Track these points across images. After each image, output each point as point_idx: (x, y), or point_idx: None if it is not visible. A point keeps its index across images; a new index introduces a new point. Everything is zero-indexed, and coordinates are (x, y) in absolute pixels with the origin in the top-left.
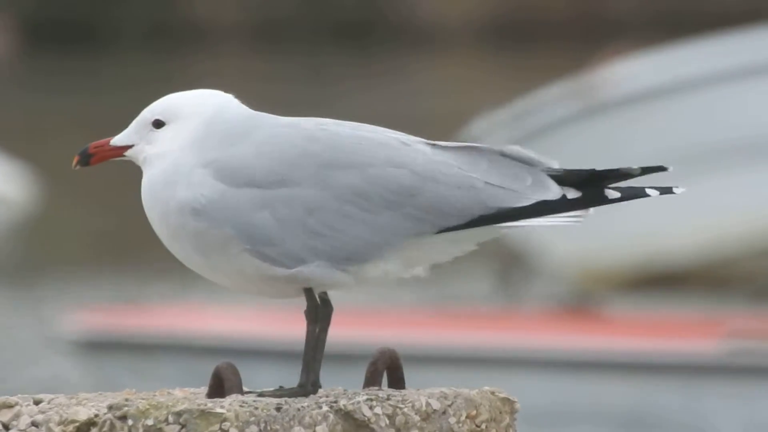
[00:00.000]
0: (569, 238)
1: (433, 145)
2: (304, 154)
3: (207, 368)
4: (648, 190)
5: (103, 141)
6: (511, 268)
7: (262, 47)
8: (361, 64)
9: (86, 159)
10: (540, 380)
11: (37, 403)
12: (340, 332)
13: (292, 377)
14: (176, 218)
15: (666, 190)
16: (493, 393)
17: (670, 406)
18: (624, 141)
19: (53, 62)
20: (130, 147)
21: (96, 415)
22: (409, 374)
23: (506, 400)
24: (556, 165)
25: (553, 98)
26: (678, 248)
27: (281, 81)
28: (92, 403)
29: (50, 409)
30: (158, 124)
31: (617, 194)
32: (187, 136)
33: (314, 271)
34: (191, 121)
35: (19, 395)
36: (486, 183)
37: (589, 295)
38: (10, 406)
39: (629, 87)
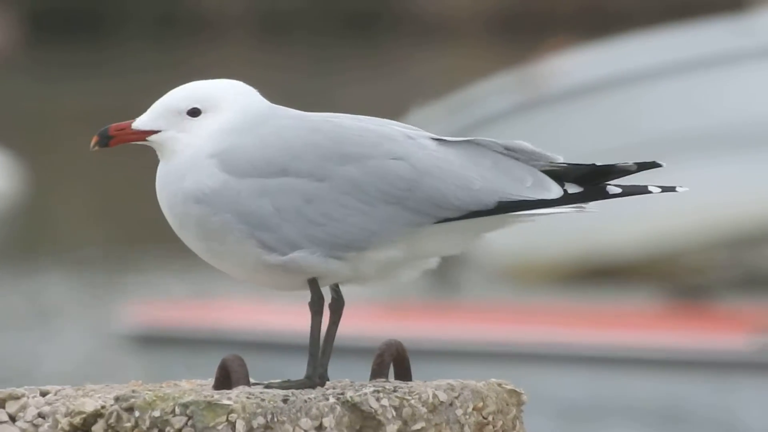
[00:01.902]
0: (507, 231)
1: (439, 140)
2: (305, 144)
3: (262, 364)
4: (650, 188)
5: (124, 123)
6: (450, 261)
7: (268, 38)
8: (367, 54)
9: (105, 141)
10: (573, 375)
11: (43, 394)
12: (353, 325)
13: (340, 373)
14: (182, 207)
15: (668, 189)
16: (500, 385)
17: (701, 402)
18: (565, 133)
19: (58, 53)
20: (154, 132)
21: (103, 407)
22: (420, 367)
23: (513, 392)
24: (560, 159)
25: (495, 90)
26: (620, 242)
27: (287, 71)
28: (99, 395)
29: (57, 400)
30: (195, 112)
31: (618, 190)
32: (216, 127)
33: (308, 259)
34: (228, 112)
35: (26, 387)
36: (484, 183)
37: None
38: (17, 398)
39: (570, 80)
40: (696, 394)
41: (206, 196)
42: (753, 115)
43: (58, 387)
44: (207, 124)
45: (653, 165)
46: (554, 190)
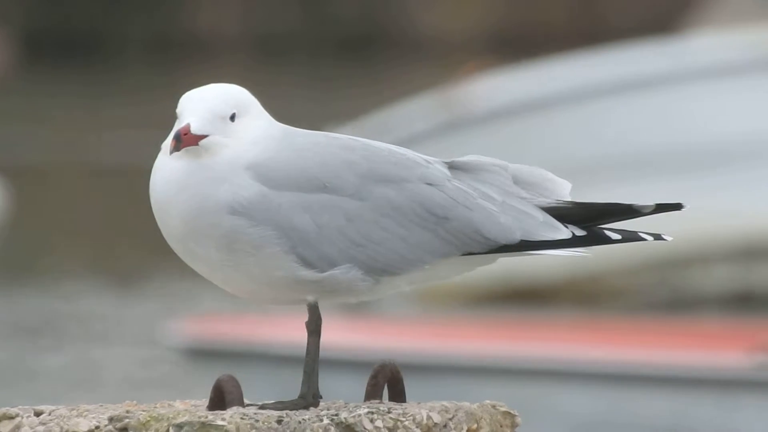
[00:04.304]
0: None
1: (449, 166)
2: (342, 162)
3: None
4: (643, 234)
5: (185, 128)
6: None
7: (263, 60)
8: (362, 76)
9: (179, 144)
10: (577, 392)
11: (38, 414)
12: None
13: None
14: (211, 216)
15: (658, 237)
16: (494, 406)
17: (702, 420)
18: (489, 154)
19: (54, 75)
20: (204, 137)
21: (97, 427)
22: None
23: (507, 414)
24: (567, 192)
25: (417, 111)
26: (542, 263)
27: (283, 93)
28: (93, 415)
29: (51, 420)
30: (234, 117)
31: (618, 236)
32: (260, 134)
33: (345, 278)
34: (258, 118)
35: (20, 406)
36: (506, 218)
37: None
38: (11, 417)
39: (494, 101)
40: (696, 413)
41: (244, 207)
42: (679, 138)
43: (53, 407)
44: (241, 129)
45: (676, 207)
46: (563, 230)
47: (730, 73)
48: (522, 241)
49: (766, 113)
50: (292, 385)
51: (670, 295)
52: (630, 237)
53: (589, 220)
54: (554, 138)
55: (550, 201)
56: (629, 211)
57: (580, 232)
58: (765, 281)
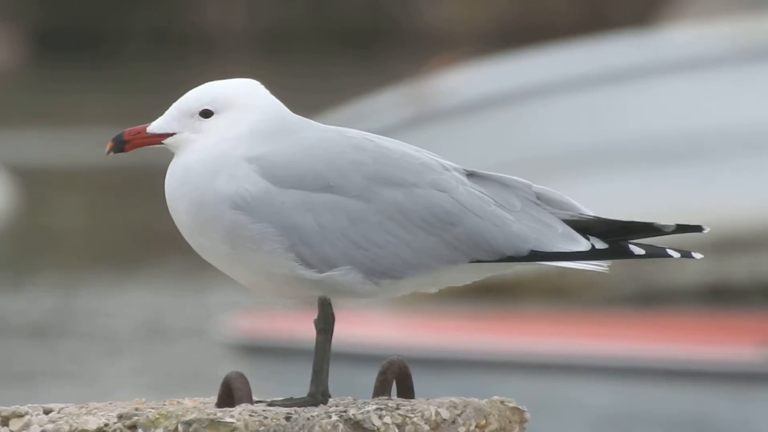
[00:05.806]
0: None
1: (470, 174)
2: (351, 162)
3: (362, 377)
4: (670, 251)
5: (138, 128)
6: None
7: (269, 54)
8: (368, 70)
9: (120, 146)
10: (591, 386)
11: (47, 412)
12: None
13: (434, 385)
14: (212, 209)
15: (686, 254)
16: (502, 402)
17: (715, 413)
18: (453, 149)
19: (61, 70)
20: (169, 135)
21: (106, 425)
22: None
23: (516, 410)
24: (588, 211)
25: (384, 105)
26: None
27: (288, 87)
28: (102, 413)
29: (60, 418)
30: (207, 113)
31: (642, 251)
32: (246, 127)
33: (345, 279)
34: (248, 112)
35: (29, 405)
36: (519, 227)
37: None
38: (21, 416)
39: (460, 96)
40: (710, 406)
41: (246, 203)
42: (652, 131)
43: (62, 405)
44: (223, 125)
45: (696, 229)
46: (583, 243)
47: (706, 66)
48: (533, 251)
49: (739, 107)
50: (334, 382)
51: (643, 288)
52: (655, 253)
53: (608, 236)
54: (526, 131)
55: (573, 214)
56: (650, 229)
57: (601, 245)
58: (737, 274)
